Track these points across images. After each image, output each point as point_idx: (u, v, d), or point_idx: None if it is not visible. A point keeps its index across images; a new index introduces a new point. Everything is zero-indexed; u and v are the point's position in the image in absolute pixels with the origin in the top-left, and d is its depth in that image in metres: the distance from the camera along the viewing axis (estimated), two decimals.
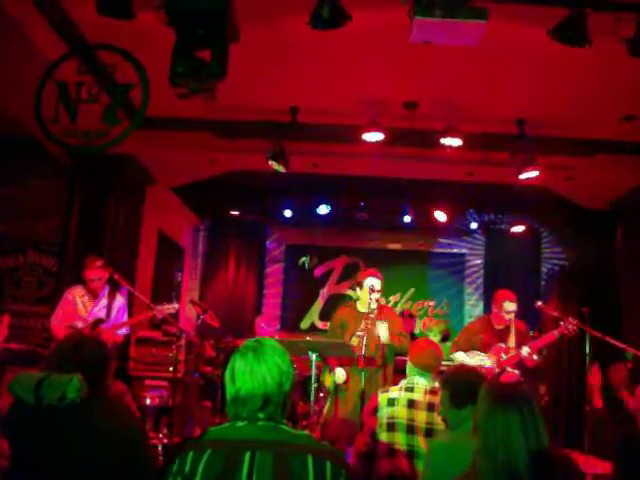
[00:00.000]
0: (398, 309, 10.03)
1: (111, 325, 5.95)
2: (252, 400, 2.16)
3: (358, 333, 5.27)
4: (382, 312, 5.40)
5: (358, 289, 5.58)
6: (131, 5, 4.07)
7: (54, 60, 4.56)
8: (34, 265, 7.78)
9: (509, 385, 2.48)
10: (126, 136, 4.39)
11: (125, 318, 6.18)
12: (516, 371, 5.55)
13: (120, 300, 6.15)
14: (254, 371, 2.18)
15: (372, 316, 5.26)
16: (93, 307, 6.00)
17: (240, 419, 2.16)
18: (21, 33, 4.81)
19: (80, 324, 5.85)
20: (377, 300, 5.34)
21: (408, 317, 9.09)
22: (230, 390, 2.20)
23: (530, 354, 5.47)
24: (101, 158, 7.01)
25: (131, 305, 6.88)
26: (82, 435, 2.60)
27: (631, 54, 4.27)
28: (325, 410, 5.61)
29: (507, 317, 5.71)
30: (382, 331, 5.21)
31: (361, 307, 5.53)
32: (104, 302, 6.05)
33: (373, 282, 5.42)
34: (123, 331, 6.15)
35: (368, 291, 5.34)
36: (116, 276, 5.95)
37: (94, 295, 6.02)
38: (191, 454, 2.09)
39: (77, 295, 6.02)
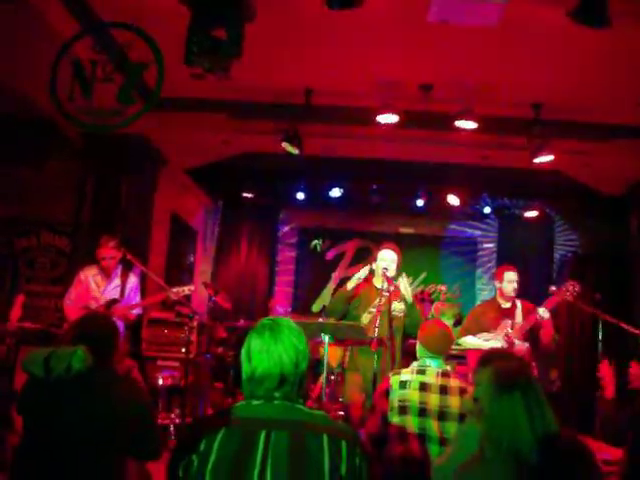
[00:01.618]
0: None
1: (125, 305, 5.97)
2: (268, 379, 2.15)
3: (371, 309, 5.17)
4: (397, 294, 5.26)
5: (374, 264, 5.40)
6: None
7: (69, 38, 4.55)
8: (48, 246, 7.82)
9: (514, 369, 2.45)
10: (140, 116, 4.38)
11: (138, 298, 6.19)
12: (526, 344, 5.52)
13: (133, 280, 6.16)
14: (270, 350, 2.17)
15: (386, 294, 5.06)
16: (106, 286, 6.01)
17: (256, 398, 2.16)
18: (35, 12, 4.80)
19: (94, 304, 5.86)
20: (387, 276, 5.13)
21: (428, 302, 9.11)
22: (246, 369, 2.19)
23: (545, 311, 5.42)
24: (114, 139, 7.00)
25: (144, 286, 6.92)
26: (88, 404, 2.69)
27: None
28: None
29: (511, 287, 5.70)
30: (404, 289, 5.15)
31: (377, 282, 5.34)
32: (117, 282, 6.05)
33: (386, 254, 5.29)
34: (136, 311, 6.16)
35: (381, 266, 5.23)
36: (129, 256, 5.97)
37: (107, 275, 6.03)
38: (206, 432, 2.09)
39: (90, 275, 6.03)
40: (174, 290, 6.11)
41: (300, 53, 5.66)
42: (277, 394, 2.15)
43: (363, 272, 5.26)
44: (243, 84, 6.01)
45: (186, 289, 6.20)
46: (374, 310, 5.05)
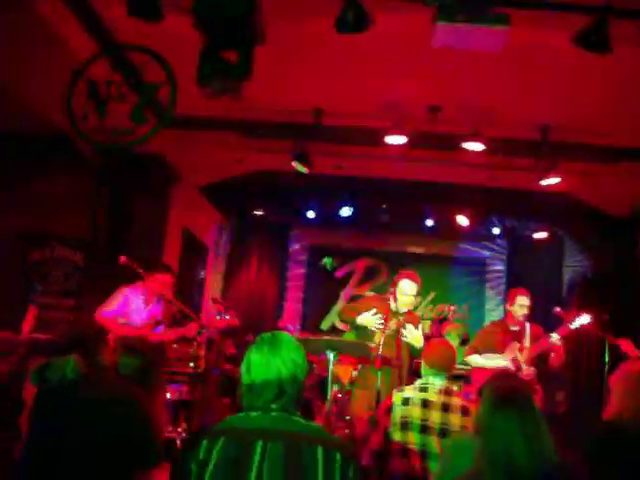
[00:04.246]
0: (419, 313, 10.05)
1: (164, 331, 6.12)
2: (266, 391, 2.23)
3: (386, 331, 5.22)
4: (411, 316, 5.45)
5: (393, 289, 5.49)
6: (160, 7, 4.18)
7: (85, 59, 4.69)
8: (62, 259, 7.94)
9: (511, 387, 2.50)
10: (153, 135, 4.50)
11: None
12: (532, 368, 5.54)
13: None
14: (269, 363, 2.26)
15: (401, 318, 5.29)
16: (145, 308, 6.10)
17: (254, 409, 2.23)
18: (53, 33, 4.94)
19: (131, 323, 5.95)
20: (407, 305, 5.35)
21: (438, 322, 9.15)
22: (246, 380, 2.28)
23: (559, 339, 5.43)
24: (129, 156, 7.14)
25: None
26: (84, 410, 2.73)
27: None
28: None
29: (521, 312, 5.70)
30: (413, 334, 5.24)
31: (393, 305, 5.43)
32: (150, 307, 6.17)
33: (406, 287, 5.38)
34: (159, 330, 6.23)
35: (401, 296, 5.36)
36: (173, 296, 6.15)
37: (148, 299, 6.13)
38: (205, 441, 2.16)
39: (135, 296, 6.08)
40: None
41: (310, 74, 5.76)
42: (275, 406, 2.22)
43: (373, 322, 5.34)
44: (255, 103, 6.12)
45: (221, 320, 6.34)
46: (389, 332, 5.17)
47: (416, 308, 10.37)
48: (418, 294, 5.51)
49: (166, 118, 4.53)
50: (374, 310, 5.33)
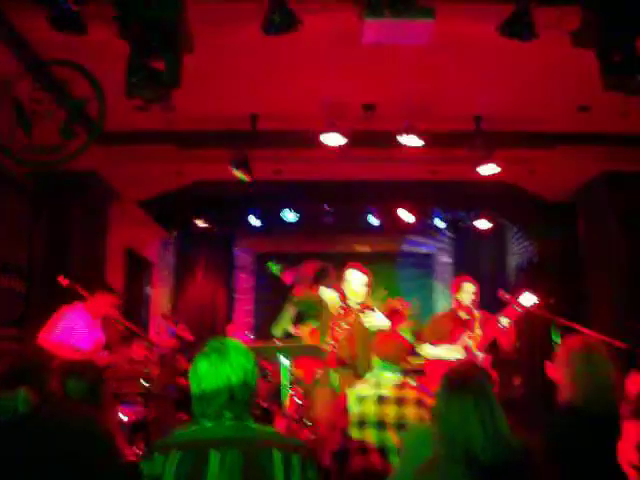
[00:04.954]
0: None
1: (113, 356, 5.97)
2: (217, 399, 2.18)
3: (343, 325, 5.18)
4: (367, 307, 5.34)
5: (341, 286, 5.44)
6: (83, 20, 4.08)
7: (7, 75, 4.54)
8: (2, 288, 7.68)
9: (465, 372, 2.51)
10: (84, 150, 4.39)
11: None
12: (485, 355, 5.59)
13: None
14: (218, 371, 2.21)
15: (355, 311, 5.19)
16: (88, 335, 5.94)
17: (206, 418, 2.18)
18: None
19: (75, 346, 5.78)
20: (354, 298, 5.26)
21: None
22: (195, 390, 2.22)
23: (509, 322, 5.47)
24: (63, 177, 6.97)
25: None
26: (43, 443, 2.61)
27: (575, 46, 4.38)
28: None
29: (468, 299, 5.77)
30: (376, 319, 5.15)
31: (343, 303, 5.37)
32: (96, 331, 6.02)
33: (355, 275, 5.34)
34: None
35: (350, 285, 5.29)
36: (118, 317, 6.05)
37: (91, 321, 5.96)
38: (160, 456, 2.10)
39: (77, 317, 5.91)
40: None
41: (242, 80, 5.71)
42: (227, 414, 2.18)
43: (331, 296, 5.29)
44: (189, 114, 6.06)
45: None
46: (345, 326, 5.12)
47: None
48: (369, 286, 5.39)
49: (96, 132, 4.43)
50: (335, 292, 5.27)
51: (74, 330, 5.80)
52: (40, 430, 2.66)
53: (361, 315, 5.16)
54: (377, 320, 5.16)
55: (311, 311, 5.54)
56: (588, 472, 2.77)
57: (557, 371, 3.12)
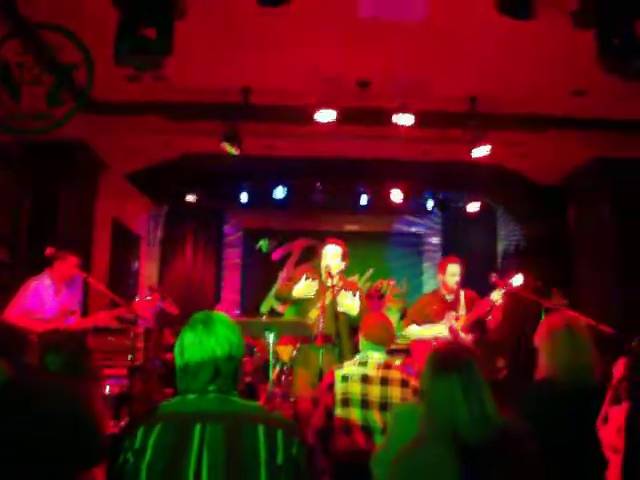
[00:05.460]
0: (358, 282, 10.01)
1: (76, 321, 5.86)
2: (202, 372, 2.14)
3: (318, 305, 5.12)
4: (349, 285, 5.31)
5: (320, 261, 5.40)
6: None
7: None
8: None
9: (451, 351, 2.50)
10: (70, 118, 4.28)
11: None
12: (470, 335, 5.59)
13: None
14: (203, 343, 2.16)
15: (336, 288, 5.11)
16: (56, 298, 5.85)
17: (191, 392, 2.14)
18: None
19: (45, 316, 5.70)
20: (330, 272, 5.14)
21: (377, 299, 9.10)
22: (179, 363, 2.18)
23: (501, 295, 5.44)
24: (52, 146, 6.86)
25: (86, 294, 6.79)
26: (18, 415, 2.57)
27: (576, 27, 4.32)
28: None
29: (453, 280, 5.76)
30: (349, 301, 5.07)
31: (326, 279, 5.26)
32: (64, 292, 5.93)
33: (328, 250, 5.29)
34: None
35: (325, 261, 5.23)
36: (86, 276, 5.99)
37: (58, 288, 5.88)
38: (142, 429, 2.06)
39: (44, 286, 5.82)
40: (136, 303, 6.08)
41: (236, 51, 5.61)
42: (211, 387, 2.14)
43: (310, 288, 5.22)
44: (180, 85, 5.98)
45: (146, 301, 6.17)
46: (321, 305, 5.05)
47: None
48: (344, 258, 5.33)
49: (82, 99, 4.33)
50: (304, 275, 5.23)
51: (42, 300, 5.74)
52: (15, 400, 2.62)
53: (336, 295, 5.10)
54: (347, 302, 5.09)
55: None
56: (562, 442, 2.79)
57: (538, 347, 3.15)
